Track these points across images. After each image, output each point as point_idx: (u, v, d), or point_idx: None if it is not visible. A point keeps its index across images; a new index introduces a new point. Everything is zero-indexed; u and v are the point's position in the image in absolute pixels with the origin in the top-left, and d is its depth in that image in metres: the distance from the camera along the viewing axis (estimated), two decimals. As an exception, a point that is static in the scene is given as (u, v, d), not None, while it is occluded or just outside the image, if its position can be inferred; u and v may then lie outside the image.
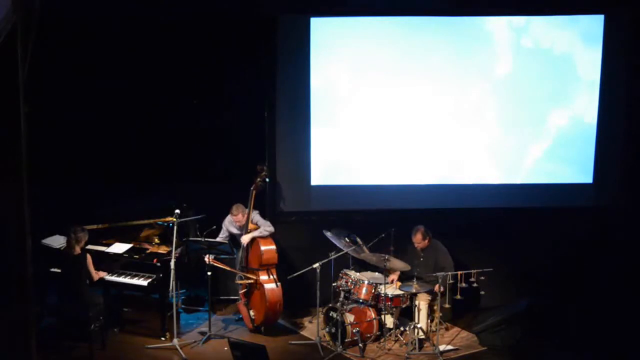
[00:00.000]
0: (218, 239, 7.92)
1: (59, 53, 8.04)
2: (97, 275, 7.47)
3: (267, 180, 8.28)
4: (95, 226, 7.87)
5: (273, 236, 8.08)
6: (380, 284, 7.60)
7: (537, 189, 8.78)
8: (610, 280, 8.49)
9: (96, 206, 8.37)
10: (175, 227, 7.47)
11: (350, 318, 7.55)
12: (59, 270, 7.52)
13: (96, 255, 7.69)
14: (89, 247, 7.68)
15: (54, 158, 8.26)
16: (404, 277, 7.92)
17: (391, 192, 8.72)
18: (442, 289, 7.40)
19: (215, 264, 7.84)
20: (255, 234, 7.90)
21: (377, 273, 8.01)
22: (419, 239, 7.85)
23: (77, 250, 7.30)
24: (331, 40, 8.47)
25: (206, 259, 7.76)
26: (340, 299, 7.60)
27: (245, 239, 7.89)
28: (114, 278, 7.73)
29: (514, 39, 8.53)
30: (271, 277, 7.91)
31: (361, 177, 8.74)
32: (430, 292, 7.64)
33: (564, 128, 8.67)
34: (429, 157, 8.69)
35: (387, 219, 8.01)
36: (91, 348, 7.13)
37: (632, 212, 8.61)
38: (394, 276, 7.96)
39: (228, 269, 7.99)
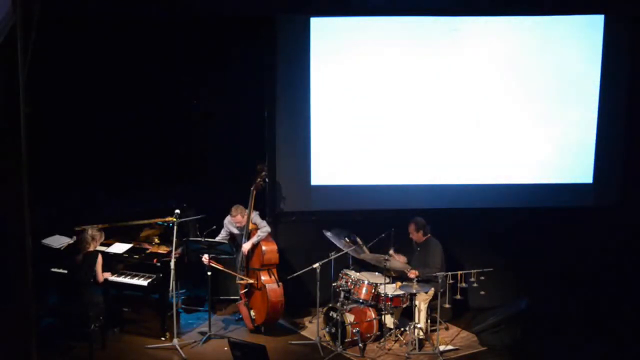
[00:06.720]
0: (218, 238, 7.92)
1: (59, 53, 8.04)
2: (102, 277, 7.47)
3: (267, 180, 8.28)
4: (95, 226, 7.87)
5: (273, 236, 8.08)
6: (381, 284, 7.60)
7: (537, 189, 8.78)
8: (609, 280, 8.49)
9: (96, 206, 8.38)
10: (175, 227, 7.47)
11: (350, 318, 7.55)
12: (60, 270, 7.51)
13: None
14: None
15: (54, 158, 8.25)
16: (405, 277, 7.92)
17: (391, 192, 8.72)
18: (415, 273, 7.50)
19: (214, 265, 7.84)
20: (254, 240, 7.87)
21: (377, 273, 8.01)
22: (411, 229, 7.93)
23: (91, 248, 7.31)
24: (331, 40, 8.47)
25: (204, 260, 7.75)
26: (340, 299, 7.60)
27: (245, 249, 7.87)
28: (114, 278, 7.73)
29: (514, 39, 8.52)
30: (272, 277, 7.91)
31: (361, 177, 8.73)
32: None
33: (564, 128, 8.66)
34: (429, 157, 8.68)
35: (387, 219, 8.02)
36: (91, 348, 7.12)
37: (632, 212, 8.61)
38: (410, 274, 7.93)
39: (228, 271, 7.96)
